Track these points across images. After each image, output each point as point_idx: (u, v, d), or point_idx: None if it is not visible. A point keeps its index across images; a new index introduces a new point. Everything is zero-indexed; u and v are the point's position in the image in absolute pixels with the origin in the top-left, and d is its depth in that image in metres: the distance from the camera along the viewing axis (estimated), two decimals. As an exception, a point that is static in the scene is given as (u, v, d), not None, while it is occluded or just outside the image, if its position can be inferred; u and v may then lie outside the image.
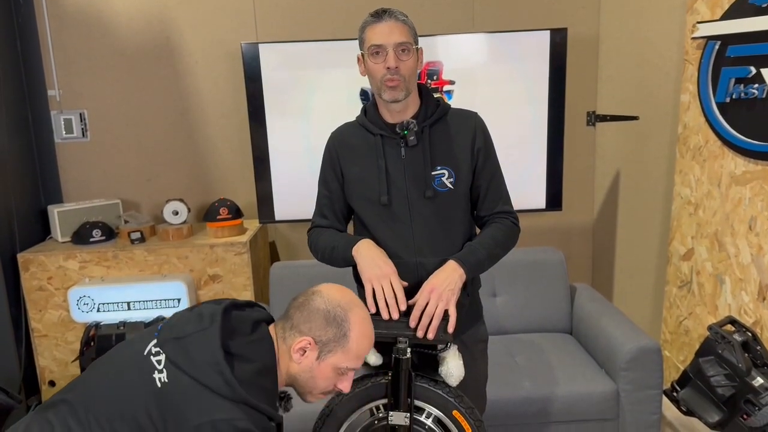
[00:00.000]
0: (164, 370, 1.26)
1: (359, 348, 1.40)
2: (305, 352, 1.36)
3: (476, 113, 1.83)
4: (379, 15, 1.69)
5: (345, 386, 1.43)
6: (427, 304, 1.63)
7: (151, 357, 1.29)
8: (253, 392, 1.25)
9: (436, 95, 1.83)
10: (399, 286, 1.65)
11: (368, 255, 1.69)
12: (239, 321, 1.37)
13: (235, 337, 1.32)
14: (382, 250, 1.72)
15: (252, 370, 1.28)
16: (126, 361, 1.34)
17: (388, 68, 1.66)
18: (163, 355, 1.28)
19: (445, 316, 1.64)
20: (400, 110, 1.74)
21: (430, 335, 1.62)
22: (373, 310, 1.63)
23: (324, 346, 1.36)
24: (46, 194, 3.30)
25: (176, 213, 3.10)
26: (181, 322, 1.36)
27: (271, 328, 1.43)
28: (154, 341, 1.32)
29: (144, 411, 1.23)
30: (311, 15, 3.25)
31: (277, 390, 1.37)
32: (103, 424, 1.24)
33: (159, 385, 1.24)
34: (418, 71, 1.76)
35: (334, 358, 1.37)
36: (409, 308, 1.68)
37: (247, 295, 3.03)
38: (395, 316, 1.63)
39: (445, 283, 1.65)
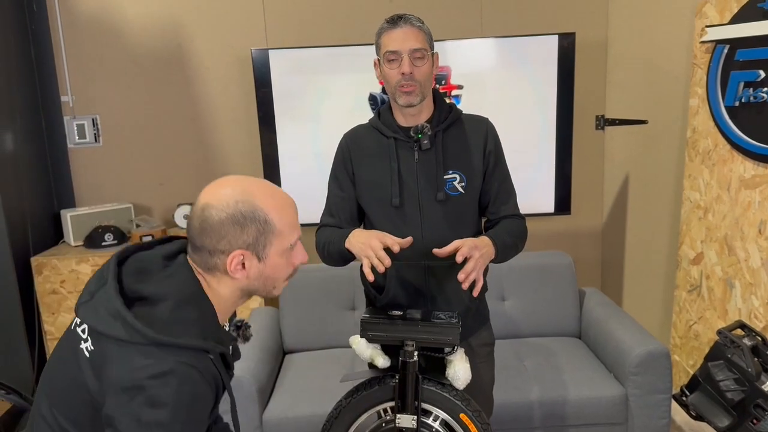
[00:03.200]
0: (88, 338, 1.17)
1: (287, 221, 1.23)
2: (244, 264, 1.21)
3: (487, 119, 1.85)
4: (394, 21, 1.70)
5: (301, 257, 1.28)
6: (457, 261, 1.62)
7: (77, 328, 1.20)
8: (172, 329, 1.12)
9: (447, 100, 1.85)
10: (386, 239, 1.61)
11: (356, 240, 1.68)
12: (147, 262, 1.24)
13: (144, 279, 1.19)
14: (370, 231, 1.70)
15: (167, 306, 1.15)
16: (63, 340, 1.25)
17: (403, 74, 1.67)
18: (84, 323, 1.18)
19: (459, 320, 1.66)
20: (415, 114, 1.76)
21: (475, 293, 1.62)
22: (372, 279, 1.60)
23: (257, 247, 1.20)
24: (59, 199, 3.34)
25: (187, 217, 3.13)
26: (89, 284, 1.23)
27: (189, 258, 1.26)
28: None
29: (86, 387, 1.14)
30: (320, 21, 3.27)
31: (210, 318, 1.21)
32: (65, 416, 1.17)
33: (87, 354, 1.15)
34: (434, 75, 1.77)
35: (274, 248, 1.21)
36: (414, 310, 1.70)
37: (259, 299, 3.05)
38: (387, 263, 1.57)
39: (484, 249, 1.64)
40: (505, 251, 1.74)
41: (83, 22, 3.24)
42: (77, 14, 3.23)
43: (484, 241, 1.68)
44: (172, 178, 3.41)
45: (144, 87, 3.31)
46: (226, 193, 1.19)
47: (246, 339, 1.36)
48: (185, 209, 3.12)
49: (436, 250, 1.63)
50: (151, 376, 1.07)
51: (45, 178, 3.26)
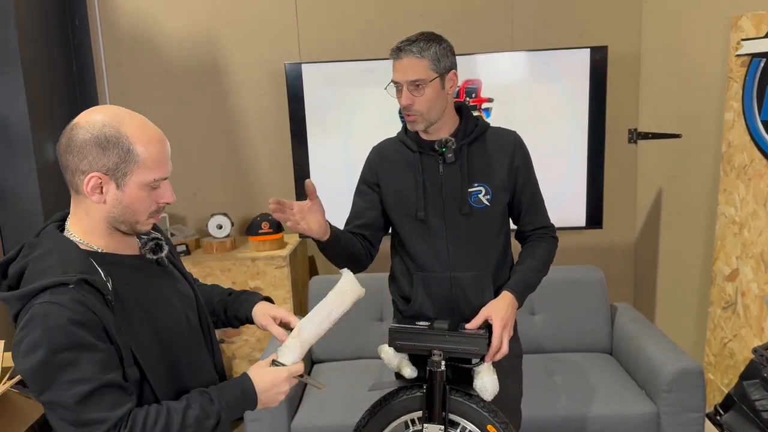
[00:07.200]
0: None
1: (152, 155, 1.23)
2: (102, 188, 1.20)
3: (515, 132, 1.86)
4: (396, 52, 1.73)
5: (167, 197, 1.27)
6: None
7: None
8: (36, 281, 1.16)
9: (474, 113, 1.86)
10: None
11: None
12: (28, 244, 1.28)
13: (23, 256, 1.24)
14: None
15: (30, 268, 1.20)
16: None
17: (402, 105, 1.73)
18: None
19: (486, 331, 1.67)
20: (433, 132, 1.78)
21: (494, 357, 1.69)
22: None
23: (116, 174, 1.19)
24: (96, 208, 3.42)
25: (220, 227, 3.19)
26: None
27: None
28: None
29: None
30: (352, 35, 3.32)
31: (71, 255, 1.20)
32: None
33: None
34: (456, 91, 1.79)
35: (134, 179, 1.20)
36: (442, 321, 1.71)
37: (287, 308, 3.08)
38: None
39: (508, 316, 1.71)
40: (530, 291, 1.82)
41: (122, 36, 3.34)
42: (117, 29, 3.33)
43: (507, 301, 1.73)
44: (206, 188, 3.48)
45: (180, 99, 3.39)
46: (96, 118, 1.21)
47: (154, 252, 1.34)
48: (218, 219, 3.18)
49: (468, 325, 1.71)
50: (20, 329, 1.13)
51: (84, 187, 3.34)
